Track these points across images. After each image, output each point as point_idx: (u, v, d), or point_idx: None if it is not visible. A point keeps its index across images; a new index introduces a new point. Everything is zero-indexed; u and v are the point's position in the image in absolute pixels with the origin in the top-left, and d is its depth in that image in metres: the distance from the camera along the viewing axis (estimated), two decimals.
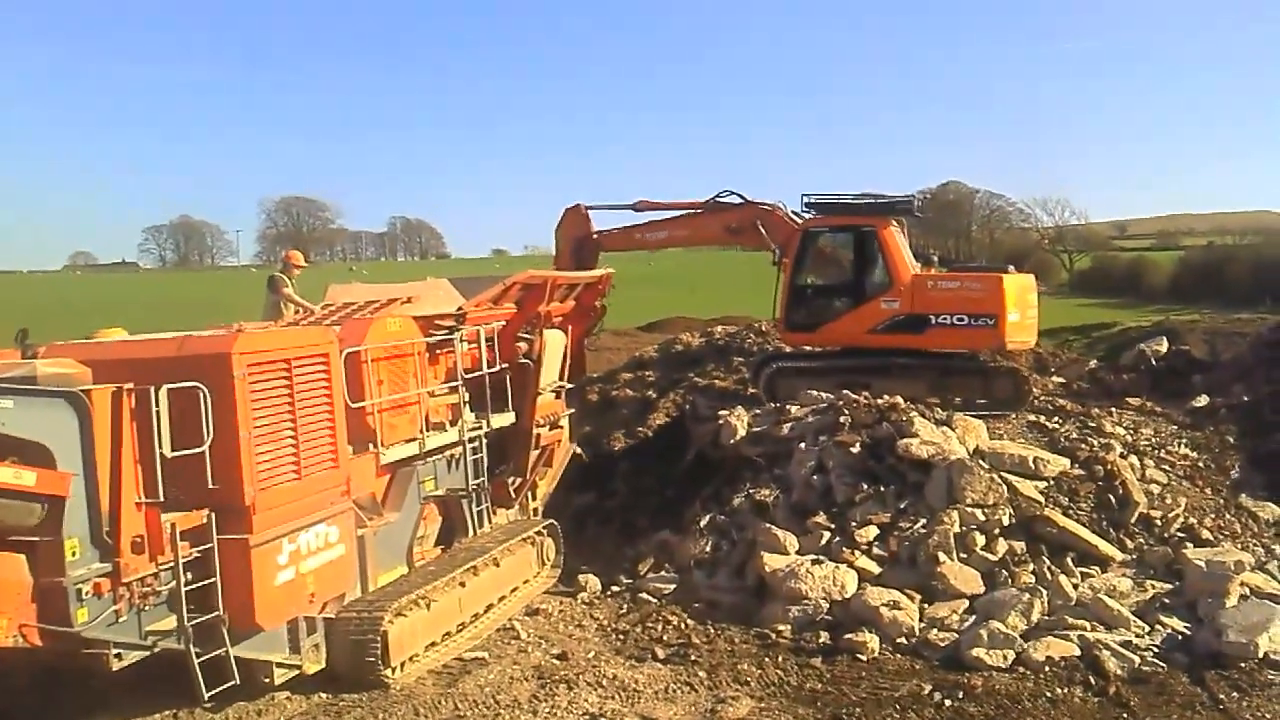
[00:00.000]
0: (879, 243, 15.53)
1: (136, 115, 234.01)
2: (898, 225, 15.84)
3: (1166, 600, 10.65)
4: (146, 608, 7.48)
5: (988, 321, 14.80)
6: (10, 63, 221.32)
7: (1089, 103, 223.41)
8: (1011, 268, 16.50)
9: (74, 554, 6.95)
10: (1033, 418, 14.65)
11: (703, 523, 12.68)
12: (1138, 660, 9.50)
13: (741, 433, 14.06)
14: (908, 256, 15.58)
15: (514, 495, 12.61)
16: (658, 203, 16.97)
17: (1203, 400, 15.86)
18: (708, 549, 12.29)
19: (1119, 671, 9.31)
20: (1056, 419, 14.67)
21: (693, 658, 10.04)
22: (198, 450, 7.65)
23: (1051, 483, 12.32)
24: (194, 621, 7.64)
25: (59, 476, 6.81)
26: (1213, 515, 12.46)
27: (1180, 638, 9.99)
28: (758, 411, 14.73)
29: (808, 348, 17.00)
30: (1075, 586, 10.80)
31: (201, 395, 7.67)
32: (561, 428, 13.54)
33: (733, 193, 16.60)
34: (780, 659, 9.97)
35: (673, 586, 11.95)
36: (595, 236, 17.11)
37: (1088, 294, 65.62)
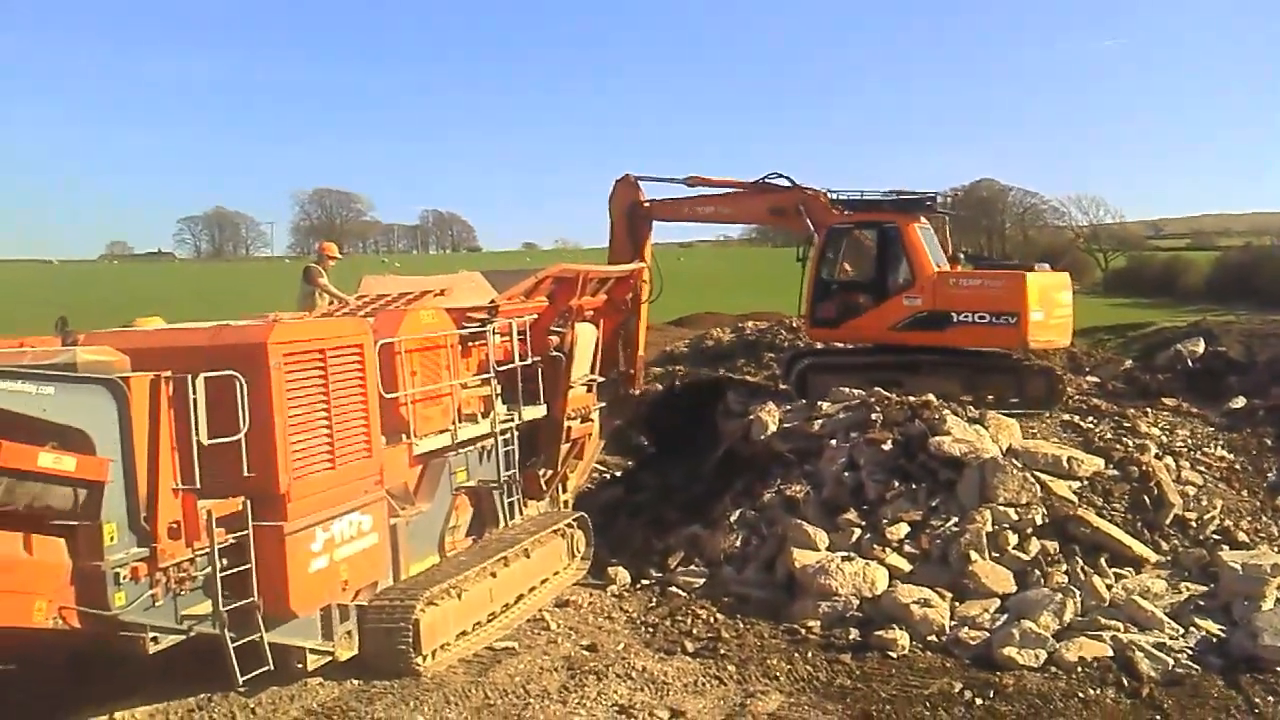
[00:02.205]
0: (902, 239, 15.48)
1: (172, 107, 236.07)
2: (924, 223, 15.77)
3: (1201, 602, 10.56)
4: (182, 593, 7.56)
5: (1009, 320, 14.69)
6: (49, 55, 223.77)
7: (1125, 101, 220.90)
8: (1046, 265, 16.39)
9: (112, 539, 7.01)
10: (1067, 417, 14.56)
11: (733, 518, 12.68)
12: (1171, 662, 9.42)
13: (772, 428, 14.05)
14: (932, 253, 15.50)
15: (545, 487, 12.65)
16: (708, 179, 17.02)
17: (1239, 402, 15.71)
18: (737, 544, 12.29)
19: (1152, 673, 9.24)
20: (1091, 419, 14.57)
21: (722, 652, 10.05)
22: (234, 438, 7.71)
23: (1085, 483, 12.22)
24: (229, 607, 7.70)
25: (98, 462, 6.88)
26: (1249, 517, 12.34)
27: (1215, 640, 9.89)
28: (789, 407, 14.72)
29: (839, 344, 16.97)
30: (1109, 587, 10.71)
31: (238, 384, 7.74)
32: (592, 421, 13.58)
33: (781, 175, 16.64)
34: (810, 655, 9.96)
35: (702, 581, 11.95)
36: (646, 205, 17.26)
37: (1122, 293, 64.99)
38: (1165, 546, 11.64)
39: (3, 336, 8.69)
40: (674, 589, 11.83)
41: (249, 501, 7.87)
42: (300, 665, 8.74)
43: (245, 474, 7.79)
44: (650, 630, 10.75)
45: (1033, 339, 14.86)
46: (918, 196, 16.05)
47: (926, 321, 15.20)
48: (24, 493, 6.48)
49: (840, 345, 16.94)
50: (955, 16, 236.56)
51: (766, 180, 16.66)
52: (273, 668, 8.07)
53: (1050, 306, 15.11)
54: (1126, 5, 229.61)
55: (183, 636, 7.61)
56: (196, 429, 7.53)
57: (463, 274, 13.86)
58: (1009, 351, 15.51)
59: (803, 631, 10.52)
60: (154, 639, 7.43)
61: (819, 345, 17.46)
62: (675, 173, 16.95)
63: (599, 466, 16.20)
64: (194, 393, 7.51)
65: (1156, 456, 12.82)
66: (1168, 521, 11.86)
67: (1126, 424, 14.29)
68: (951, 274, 15.49)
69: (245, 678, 7.83)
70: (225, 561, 7.70)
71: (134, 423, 7.16)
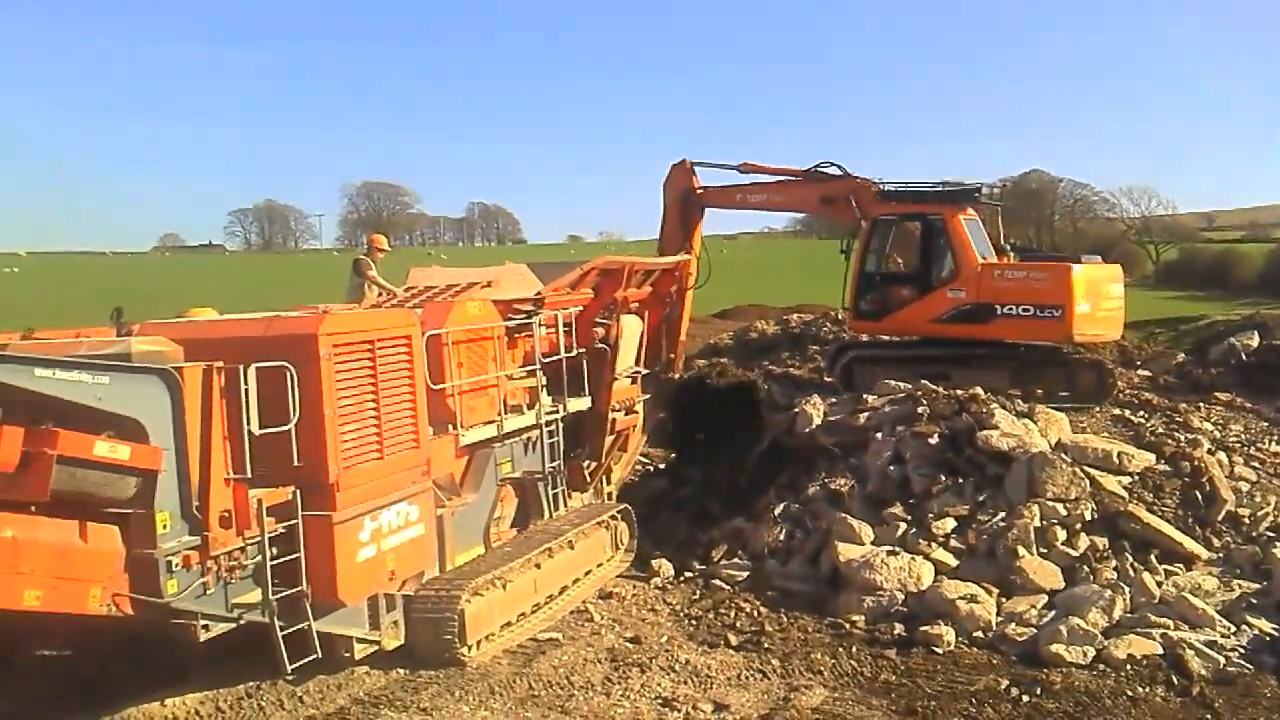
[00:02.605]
0: (947, 231, 15.33)
1: (223, 101, 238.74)
2: (971, 214, 15.60)
3: (1254, 600, 10.39)
4: (233, 581, 7.66)
5: (1054, 313, 14.48)
6: (104, 50, 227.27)
7: (1178, 91, 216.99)
8: (1098, 258, 16.16)
9: (165, 527, 7.12)
10: (1117, 411, 14.38)
11: (777, 511, 12.63)
12: (1223, 661, 9.26)
13: (817, 421, 13.97)
14: (977, 245, 15.33)
15: (589, 479, 12.70)
16: (761, 166, 17.02)
17: None
18: (781, 537, 12.25)
19: (1203, 672, 9.09)
20: (1142, 413, 14.38)
21: (765, 645, 10.03)
22: (284, 428, 7.81)
23: (1136, 478, 12.06)
24: (278, 595, 7.81)
25: (152, 451, 6.98)
26: None
27: (1268, 639, 9.72)
28: (834, 400, 14.64)
29: (884, 337, 16.86)
30: (1159, 584, 10.56)
31: (289, 374, 7.83)
32: (637, 413, 13.60)
33: (833, 164, 16.56)
34: (854, 649, 9.91)
35: (746, 574, 11.93)
36: (699, 191, 17.25)
37: (1174, 286, 64.01)
38: (1217, 543, 11.46)
39: (59, 327, 8.84)
40: (717, 582, 11.82)
41: (298, 491, 7.98)
42: (347, 654, 8.84)
43: (295, 464, 7.89)
44: (694, 623, 10.76)
45: (1078, 332, 14.65)
46: (963, 188, 15.90)
47: (970, 314, 15.04)
48: (80, 481, 6.59)
49: (886, 338, 16.83)
50: (1006, 3, 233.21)
51: (818, 169, 16.57)
52: (320, 656, 8.19)
53: (1097, 299, 14.88)
54: None
55: (233, 624, 7.72)
56: (248, 419, 7.63)
57: (508, 266, 13.91)
58: (1058, 345, 15.33)
59: (847, 626, 10.48)
60: (205, 626, 7.55)
61: (863, 338, 17.35)
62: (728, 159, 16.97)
63: (643, 458, 16.23)
64: (246, 383, 7.62)
65: (1209, 452, 12.63)
66: (1220, 518, 11.68)
67: (1178, 419, 14.08)
68: (996, 266, 15.30)
69: (293, 666, 7.95)
70: (275, 550, 7.81)
71: (187, 412, 7.26)
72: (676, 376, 16.51)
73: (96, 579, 6.83)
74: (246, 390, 7.62)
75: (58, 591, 6.58)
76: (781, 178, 17.08)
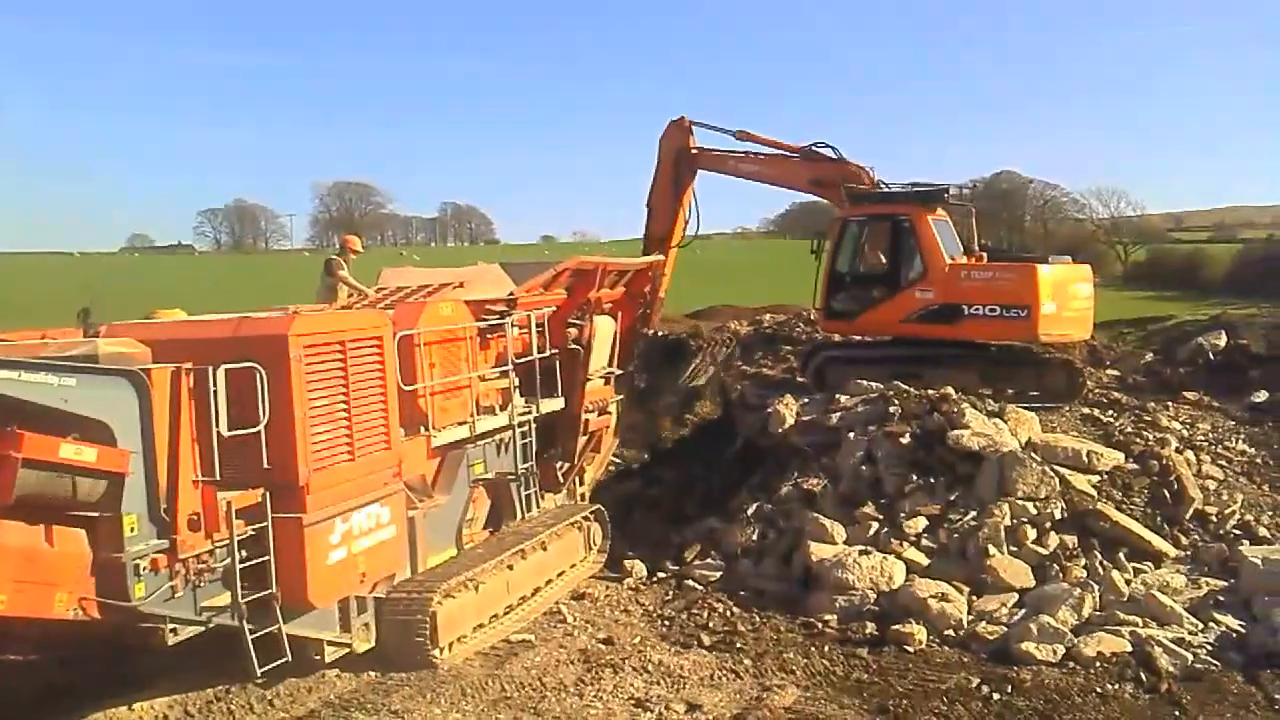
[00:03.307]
0: (914, 232, 15.42)
1: (191, 100, 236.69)
2: (941, 215, 15.69)
3: (1221, 598, 10.50)
4: (202, 584, 7.59)
5: (1020, 313, 14.60)
6: (69, 47, 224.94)
7: (1146, 92, 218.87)
8: (1067, 258, 16.28)
9: (132, 530, 7.05)
10: (1086, 411, 14.52)
11: (750, 511, 12.67)
12: (1190, 658, 9.35)
13: (790, 422, 14.02)
14: (946, 246, 15.43)
15: (562, 480, 12.68)
16: (758, 136, 16.90)
17: (1262, 396, 15.62)
18: (754, 537, 12.28)
19: (1171, 669, 9.17)
20: (1111, 412, 14.52)
21: (738, 645, 10.06)
22: (254, 430, 7.75)
23: (1105, 477, 12.19)
24: (248, 598, 7.75)
25: (119, 454, 6.91)
26: (1270, 512, 12.28)
27: (1235, 636, 9.82)
28: (806, 400, 14.68)
29: (856, 337, 16.92)
30: (1128, 582, 10.68)
31: (258, 376, 7.78)
32: (610, 414, 13.59)
33: (828, 145, 16.52)
34: (826, 649, 9.95)
35: (719, 574, 11.97)
36: (694, 152, 17.16)
37: (1143, 286, 64.51)
38: (1185, 541, 11.60)
39: (25, 328, 8.74)
40: (690, 582, 11.84)
41: (268, 493, 7.91)
42: (318, 657, 8.79)
43: (265, 466, 7.83)
44: (666, 623, 10.77)
45: (1044, 332, 14.77)
46: (932, 189, 15.98)
47: (938, 314, 15.14)
48: (45, 484, 6.52)
49: (858, 338, 16.90)
50: (982, 7, 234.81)
51: (814, 148, 16.55)
52: (291, 659, 8.12)
53: (1065, 299, 15.00)
54: None
55: (202, 628, 7.66)
56: (217, 421, 7.57)
57: (481, 266, 13.87)
58: (1027, 344, 15.44)
59: (819, 625, 10.52)
60: (173, 630, 7.48)
61: (837, 338, 17.41)
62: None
63: (616, 459, 16.22)
64: (214, 384, 7.56)
65: (1177, 450, 12.77)
66: (1188, 516, 11.81)
67: (1147, 418, 14.23)
68: (963, 266, 15.41)
69: (263, 669, 7.89)
70: (244, 553, 7.75)
71: (155, 414, 7.20)
72: (650, 332, 16.39)
73: (63, 583, 6.76)
74: (215, 392, 7.56)
75: (23, 595, 6.50)
76: (775, 151, 16.97)
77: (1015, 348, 15.46)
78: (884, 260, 16.03)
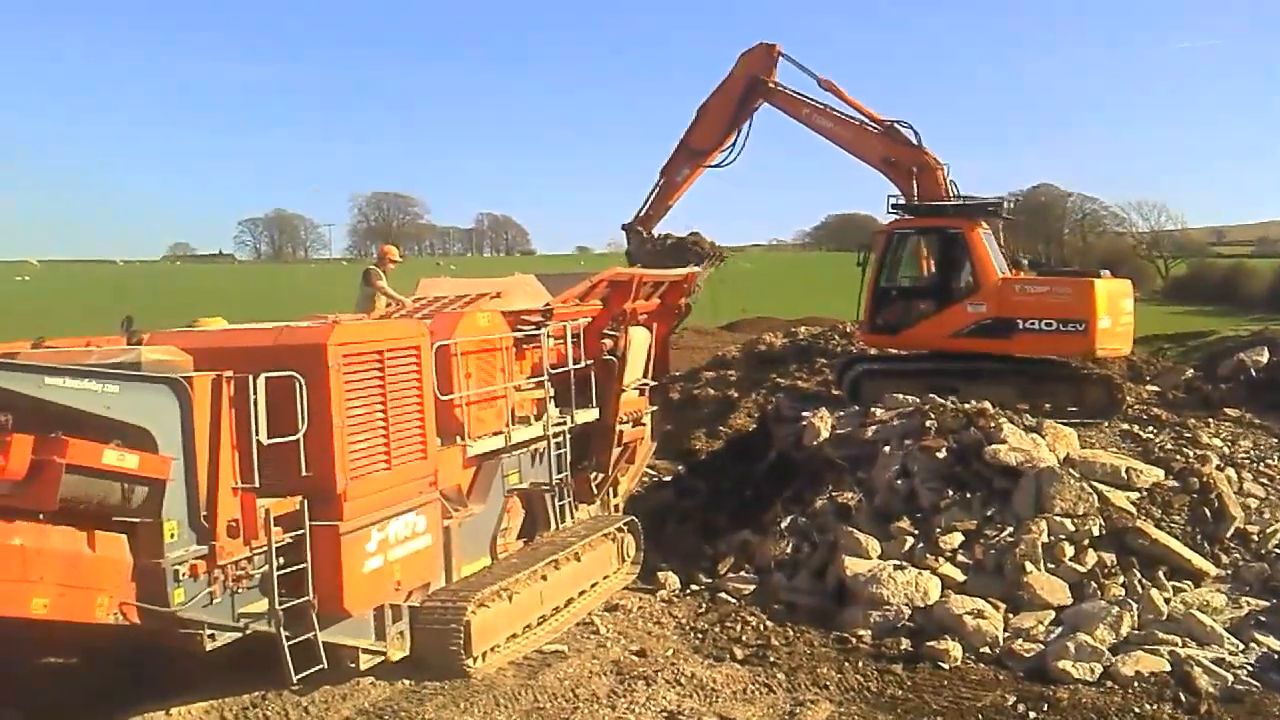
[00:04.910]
0: (966, 245, 15.29)
1: (233, 111, 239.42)
2: (987, 228, 15.58)
3: (1263, 618, 10.36)
4: (239, 590, 7.67)
5: (1077, 327, 14.48)
6: (115, 58, 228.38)
7: (1189, 106, 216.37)
8: (1106, 272, 16.14)
9: (172, 536, 7.13)
10: (1126, 427, 14.35)
11: (783, 524, 12.60)
12: (1230, 678, 9.21)
13: (824, 434, 13.97)
14: (995, 260, 15.31)
15: (596, 491, 12.70)
16: (844, 93, 16.45)
17: None
18: (788, 550, 12.21)
19: (1211, 689, 9.04)
20: (1151, 429, 14.35)
21: (771, 659, 10.01)
22: (293, 438, 7.82)
23: (1144, 494, 12.04)
24: (285, 605, 7.82)
25: (160, 460, 6.99)
26: None
27: (1276, 657, 9.67)
28: (841, 414, 14.62)
29: (893, 350, 16.82)
30: (1167, 601, 10.53)
31: (297, 384, 7.85)
32: (644, 425, 13.60)
33: (910, 126, 16.24)
34: (860, 664, 9.89)
35: (752, 587, 11.91)
36: (771, 84, 16.79)
37: (1183, 301, 63.82)
38: (1226, 560, 11.43)
39: (70, 336, 8.87)
40: (724, 595, 11.80)
41: (306, 501, 7.99)
42: (353, 664, 8.84)
43: (303, 473, 7.90)
44: (699, 636, 10.74)
45: (1100, 347, 14.67)
46: (981, 201, 15.86)
47: (990, 329, 15.00)
48: (88, 489, 6.61)
49: (895, 351, 16.79)
50: (1014, 17, 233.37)
51: (897, 124, 16.26)
52: (326, 666, 8.17)
53: (1116, 314, 14.90)
54: (1199, 6, 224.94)
55: (239, 634, 7.72)
56: (256, 428, 7.65)
57: (517, 277, 13.95)
58: (1068, 359, 15.30)
59: (853, 640, 10.45)
60: (211, 636, 7.55)
61: (873, 351, 17.30)
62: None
63: (649, 470, 16.23)
64: (255, 392, 7.64)
65: (1218, 468, 12.59)
66: (1229, 534, 11.65)
67: (1187, 434, 14.04)
68: (1017, 280, 15.27)
69: (299, 676, 7.94)
70: (282, 560, 7.82)
71: (196, 422, 7.28)
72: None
73: (104, 587, 6.84)
74: (255, 400, 7.64)
75: (65, 599, 6.59)
76: (857, 116, 16.53)
77: (1055, 362, 15.32)
78: (933, 273, 15.90)
